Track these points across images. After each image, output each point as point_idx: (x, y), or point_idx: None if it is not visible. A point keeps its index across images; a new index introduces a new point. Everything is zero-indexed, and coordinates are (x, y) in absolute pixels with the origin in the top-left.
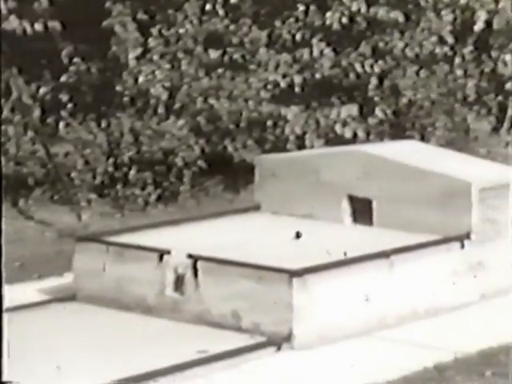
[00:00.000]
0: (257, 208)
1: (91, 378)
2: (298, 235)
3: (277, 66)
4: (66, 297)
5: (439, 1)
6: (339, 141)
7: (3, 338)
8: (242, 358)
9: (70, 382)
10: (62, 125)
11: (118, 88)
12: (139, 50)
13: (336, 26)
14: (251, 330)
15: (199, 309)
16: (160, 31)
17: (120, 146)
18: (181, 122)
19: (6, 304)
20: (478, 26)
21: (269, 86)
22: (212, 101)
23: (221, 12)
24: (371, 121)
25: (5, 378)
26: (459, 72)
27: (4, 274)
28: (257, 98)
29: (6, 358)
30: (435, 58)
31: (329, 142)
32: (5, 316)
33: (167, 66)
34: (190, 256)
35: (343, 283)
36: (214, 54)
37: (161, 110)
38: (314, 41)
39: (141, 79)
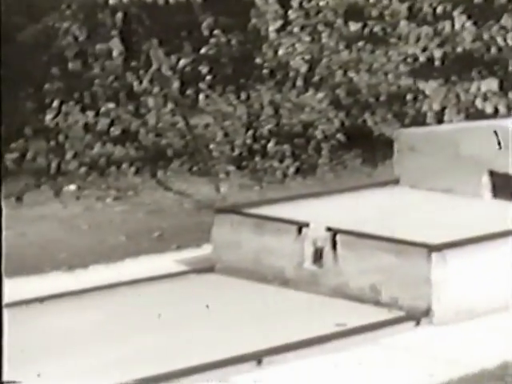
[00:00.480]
0: (396, 182)
1: (229, 349)
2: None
3: (417, 40)
4: (204, 268)
5: None
6: (479, 116)
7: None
8: (380, 332)
9: (208, 352)
10: (201, 97)
11: (258, 60)
12: (279, 23)
13: None
14: (389, 304)
15: (337, 282)
16: (300, 3)
17: (259, 118)
18: (320, 94)
19: (143, 274)
20: None
21: (408, 60)
22: (352, 74)
23: None
24: None
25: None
26: None
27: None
28: (396, 72)
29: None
30: None
31: (469, 117)
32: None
33: (307, 38)
34: (329, 229)
35: (482, 258)
36: (354, 27)
37: (300, 82)
38: (456, 14)
39: (281, 52)
